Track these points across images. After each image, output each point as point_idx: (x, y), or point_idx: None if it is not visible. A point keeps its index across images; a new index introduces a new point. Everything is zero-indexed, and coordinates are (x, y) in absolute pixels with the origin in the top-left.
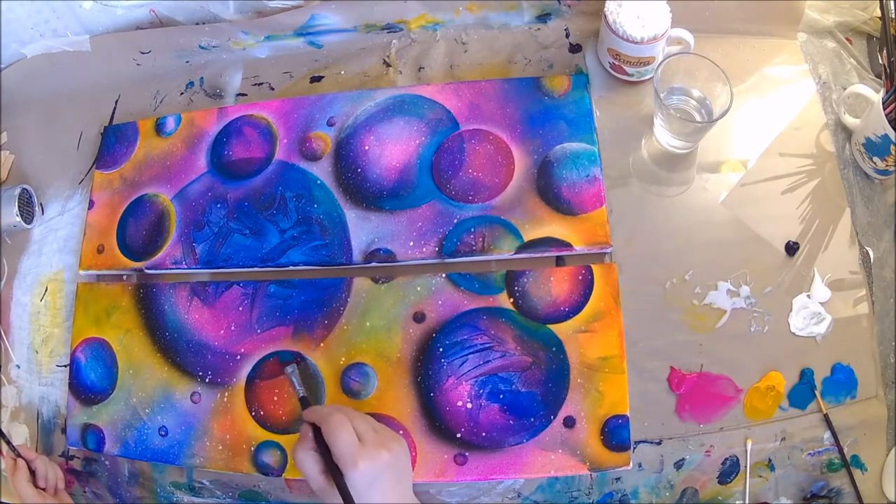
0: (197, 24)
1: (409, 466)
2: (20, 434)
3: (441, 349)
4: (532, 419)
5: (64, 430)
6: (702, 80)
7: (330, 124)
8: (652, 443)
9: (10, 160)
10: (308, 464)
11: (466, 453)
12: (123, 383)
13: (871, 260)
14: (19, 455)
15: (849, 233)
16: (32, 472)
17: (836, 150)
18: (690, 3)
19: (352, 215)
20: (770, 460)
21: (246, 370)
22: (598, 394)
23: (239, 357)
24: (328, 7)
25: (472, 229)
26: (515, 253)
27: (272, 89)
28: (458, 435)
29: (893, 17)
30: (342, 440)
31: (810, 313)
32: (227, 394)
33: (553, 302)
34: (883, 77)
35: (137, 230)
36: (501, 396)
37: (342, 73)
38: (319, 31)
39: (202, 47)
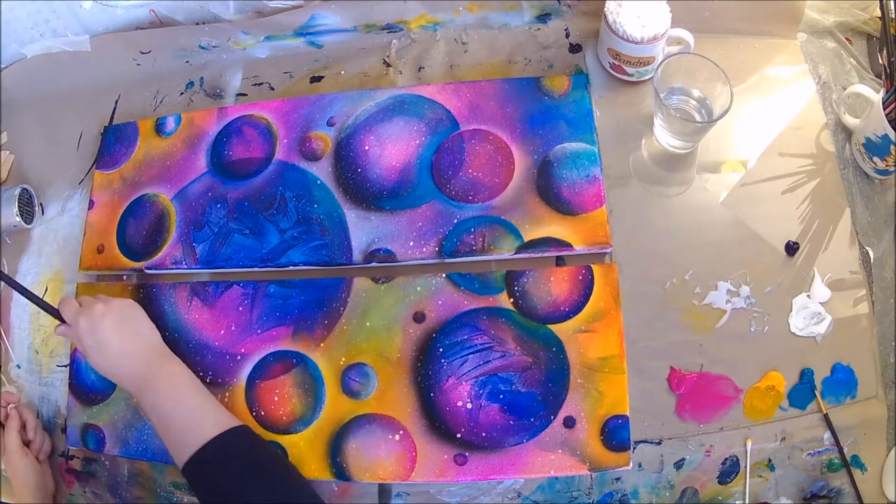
0: (197, 24)
1: (138, 314)
2: None
3: (441, 349)
4: (532, 419)
5: (64, 430)
6: (702, 80)
7: (330, 124)
8: (652, 443)
9: (10, 160)
10: (66, 334)
11: (466, 453)
12: None
13: (871, 260)
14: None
15: (849, 233)
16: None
17: (836, 150)
18: (690, 3)
19: (352, 215)
20: (770, 460)
21: (246, 370)
22: (598, 394)
23: (239, 357)
24: (328, 7)
25: (472, 229)
26: (515, 253)
27: (272, 89)
28: (458, 435)
29: (893, 17)
30: (66, 310)
31: (810, 313)
32: (227, 394)
33: (553, 302)
34: (883, 77)
35: (137, 230)
36: (501, 396)
37: (342, 73)
38: (319, 31)
39: (202, 47)
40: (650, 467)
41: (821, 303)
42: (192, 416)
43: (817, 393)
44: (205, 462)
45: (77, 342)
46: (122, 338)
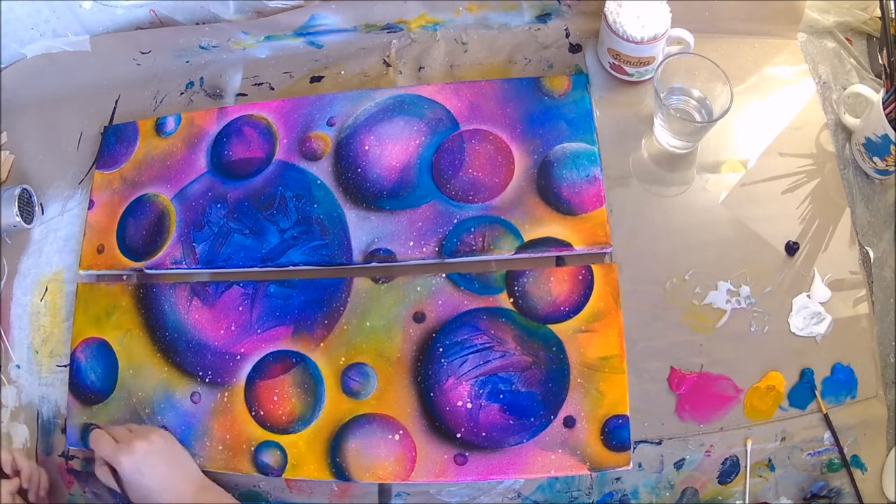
0: (197, 24)
1: (177, 448)
2: (20, 434)
3: (441, 349)
4: (532, 419)
5: (64, 430)
6: (702, 80)
7: (330, 124)
8: (652, 443)
9: (10, 160)
10: (103, 477)
11: (466, 453)
12: (123, 383)
13: (871, 260)
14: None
15: (849, 233)
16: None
17: (836, 150)
18: (690, 3)
19: (352, 215)
20: (770, 460)
21: (246, 370)
22: (598, 394)
23: (239, 357)
24: (328, 7)
25: (472, 229)
26: (515, 253)
27: (272, 89)
28: (458, 435)
29: (893, 17)
30: (102, 448)
31: (810, 313)
32: (227, 394)
33: (553, 302)
34: (883, 77)
35: (137, 230)
36: (501, 396)
37: (342, 73)
38: (319, 31)
39: (202, 47)
40: (650, 467)
41: (821, 303)
42: None
43: (817, 393)
44: None
45: (115, 478)
46: (167, 474)
